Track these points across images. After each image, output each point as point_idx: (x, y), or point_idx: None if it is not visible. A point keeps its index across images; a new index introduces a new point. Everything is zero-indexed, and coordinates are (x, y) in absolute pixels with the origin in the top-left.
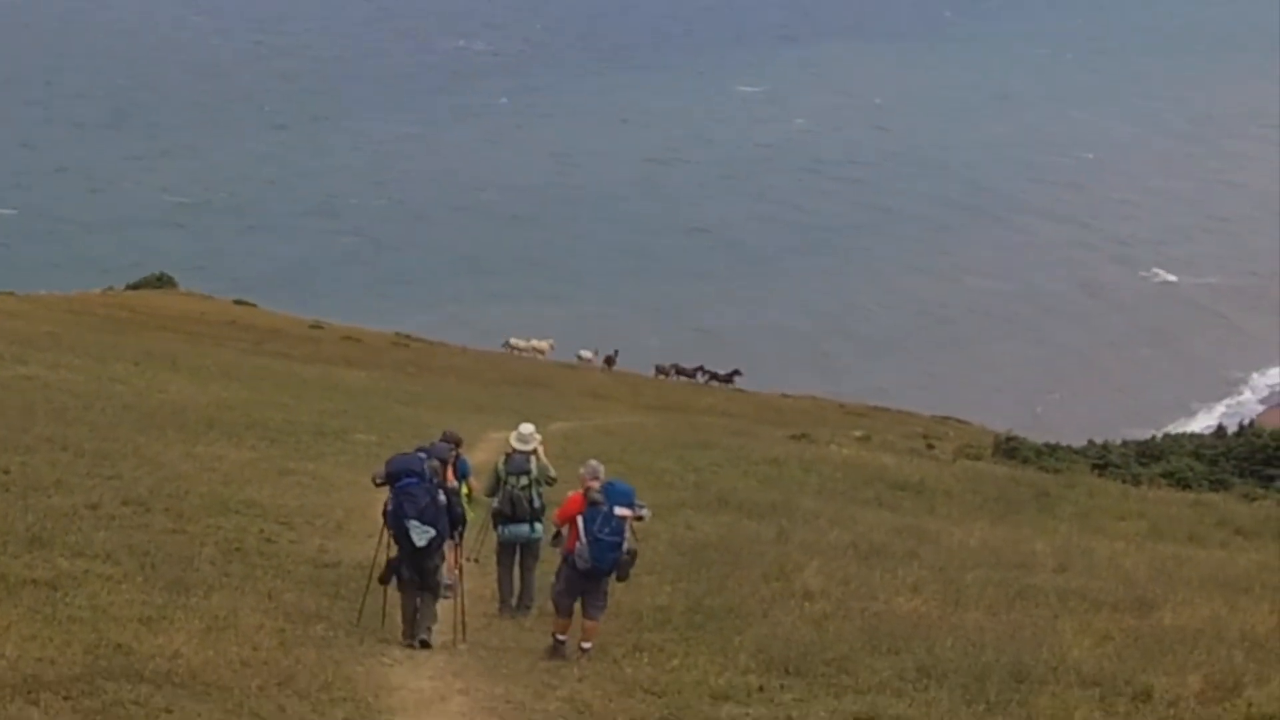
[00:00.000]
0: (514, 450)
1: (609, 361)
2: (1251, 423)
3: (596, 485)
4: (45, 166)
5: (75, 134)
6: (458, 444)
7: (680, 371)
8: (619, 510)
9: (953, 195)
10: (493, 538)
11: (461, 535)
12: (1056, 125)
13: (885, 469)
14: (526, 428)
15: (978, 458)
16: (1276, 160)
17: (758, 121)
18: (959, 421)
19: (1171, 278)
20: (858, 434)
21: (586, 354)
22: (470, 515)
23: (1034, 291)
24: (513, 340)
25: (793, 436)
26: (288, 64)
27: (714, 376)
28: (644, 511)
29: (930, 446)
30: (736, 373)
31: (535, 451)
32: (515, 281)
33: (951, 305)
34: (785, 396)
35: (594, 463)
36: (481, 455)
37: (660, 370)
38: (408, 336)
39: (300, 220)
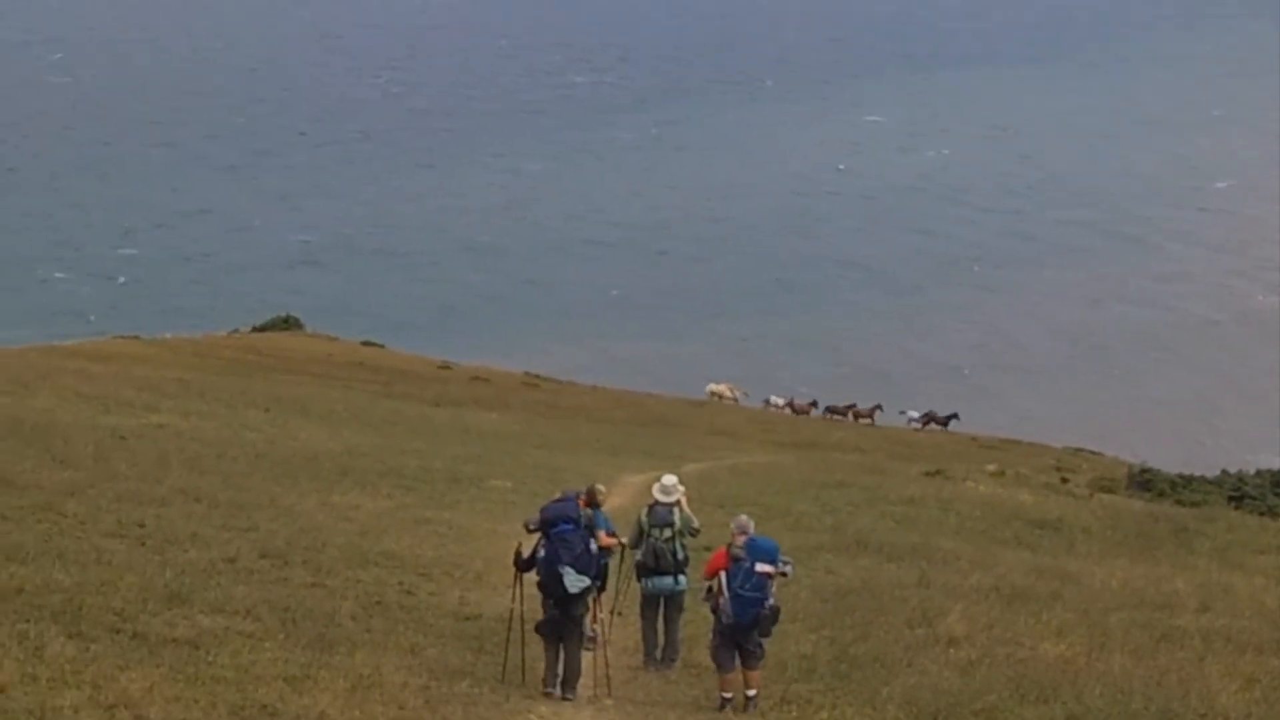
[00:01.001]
0: (657, 502)
1: (794, 408)
2: None
3: (741, 541)
4: (183, 207)
5: (210, 175)
6: (596, 502)
7: (835, 411)
8: (760, 567)
9: (1098, 222)
10: (635, 590)
11: (603, 588)
12: (1192, 149)
13: (1023, 506)
14: (669, 479)
15: (1112, 490)
16: None
17: (894, 151)
18: (1091, 453)
19: None
20: (991, 468)
21: (778, 400)
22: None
23: (1177, 317)
24: (711, 386)
25: (927, 473)
26: (420, 102)
27: (931, 419)
28: (787, 568)
29: (1064, 480)
30: (954, 416)
31: (678, 503)
32: (660, 317)
33: (1099, 332)
34: (917, 430)
35: (744, 517)
36: (617, 500)
37: (832, 410)
38: (537, 376)
39: (438, 257)
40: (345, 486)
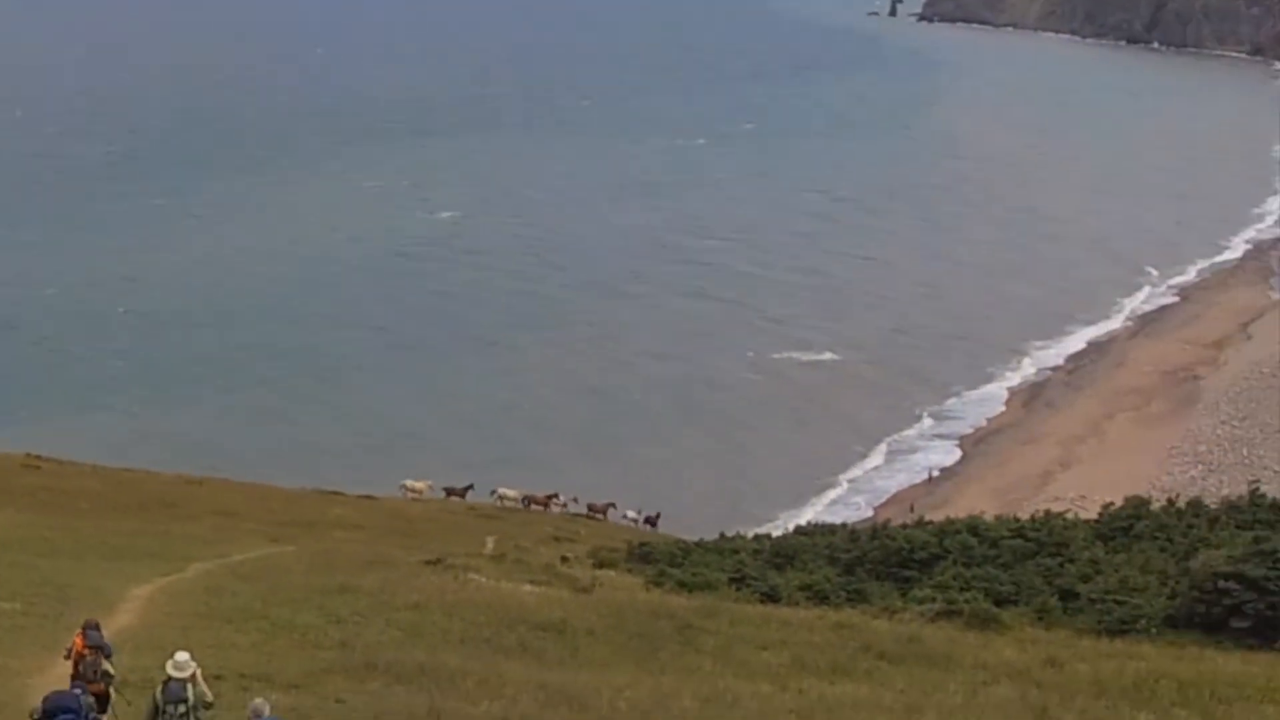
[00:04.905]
0: (170, 678)
1: (650, 522)
2: (886, 524)
3: None
4: None
5: None
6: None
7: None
8: None
9: (606, 280)
10: None
11: None
12: (702, 210)
13: (527, 609)
14: (182, 656)
15: (612, 565)
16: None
17: (402, 214)
18: (589, 517)
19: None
20: (489, 547)
21: (509, 492)
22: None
23: (699, 371)
24: (408, 483)
25: (428, 562)
26: None
27: (650, 520)
28: None
29: (564, 559)
30: (658, 515)
31: (193, 676)
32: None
33: (625, 390)
34: (414, 501)
35: (259, 701)
36: (125, 619)
37: (593, 508)
38: (38, 457)
39: None
40: None
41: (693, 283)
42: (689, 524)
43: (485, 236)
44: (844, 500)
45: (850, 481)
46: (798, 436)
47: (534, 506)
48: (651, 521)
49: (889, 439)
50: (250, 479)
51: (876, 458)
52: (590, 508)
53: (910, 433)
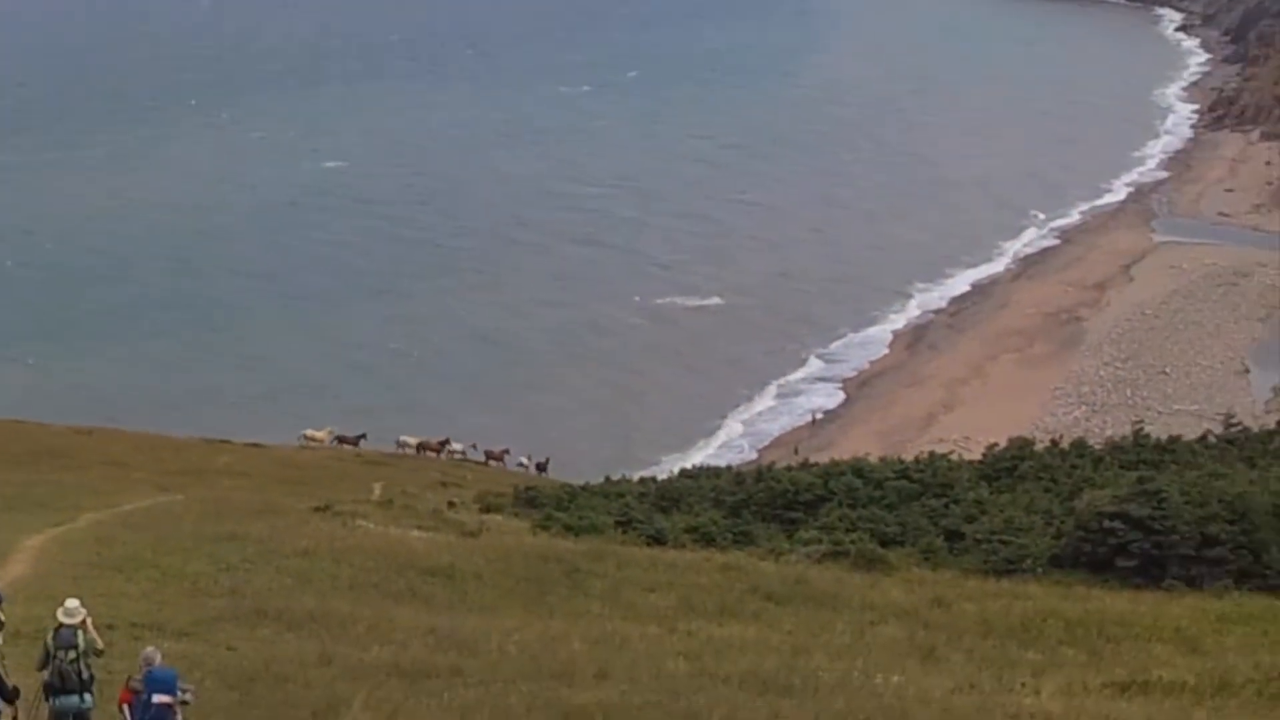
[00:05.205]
0: (61, 625)
1: (540, 467)
2: (771, 466)
3: (139, 676)
4: None
5: None
6: None
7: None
8: (157, 698)
9: (494, 228)
10: (45, 709)
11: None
12: (588, 157)
13: (415, 554)
14: (72, 603)
15: (499, 509)
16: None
17: (290, 162)
18: (476, 463)
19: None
20: (378, 492)
21: (409, 440)
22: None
23: (588, 317)
24: (308, 432)
25: (316, 508)
26: None
27: (542, 467)
28: (187, 695)
29: (451, 504)
30: (548, 460)
31: (83, 623)
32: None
33: (515, 337)
34: (305, 448)
35: (149, 650)
36: (19, 568)
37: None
38: None
39: None
40: None
41: (580, 229)
42: (579, 468)
43: (373, 185)
44: (730, 444)
45: (740, 424)
46: (684, 381)
47: (427, 453)
48: (542, 467)
49: (776, 382)
50: (144, 429)
51: (764, 401)
52: (488, 454)
53: (797, 375)
